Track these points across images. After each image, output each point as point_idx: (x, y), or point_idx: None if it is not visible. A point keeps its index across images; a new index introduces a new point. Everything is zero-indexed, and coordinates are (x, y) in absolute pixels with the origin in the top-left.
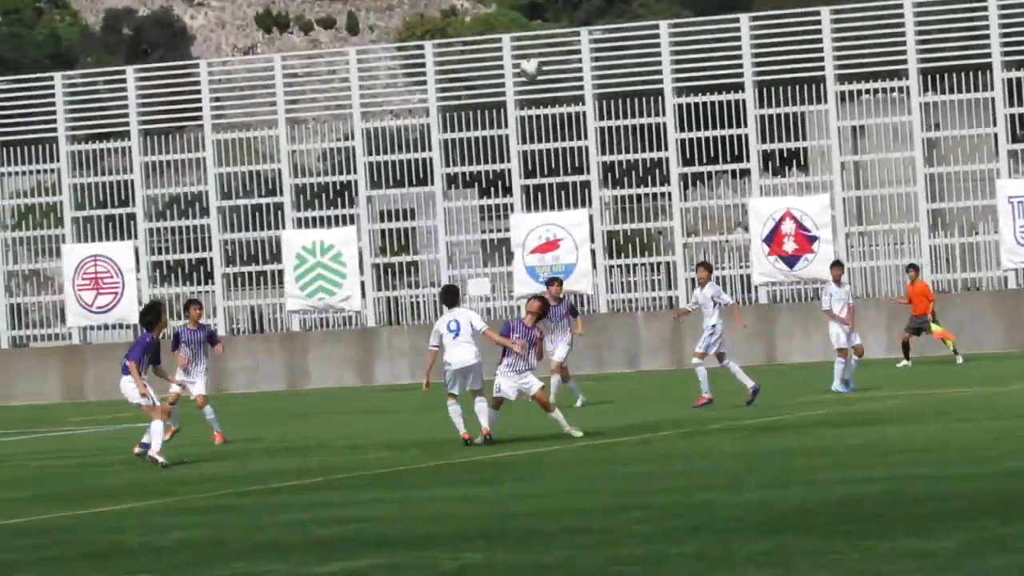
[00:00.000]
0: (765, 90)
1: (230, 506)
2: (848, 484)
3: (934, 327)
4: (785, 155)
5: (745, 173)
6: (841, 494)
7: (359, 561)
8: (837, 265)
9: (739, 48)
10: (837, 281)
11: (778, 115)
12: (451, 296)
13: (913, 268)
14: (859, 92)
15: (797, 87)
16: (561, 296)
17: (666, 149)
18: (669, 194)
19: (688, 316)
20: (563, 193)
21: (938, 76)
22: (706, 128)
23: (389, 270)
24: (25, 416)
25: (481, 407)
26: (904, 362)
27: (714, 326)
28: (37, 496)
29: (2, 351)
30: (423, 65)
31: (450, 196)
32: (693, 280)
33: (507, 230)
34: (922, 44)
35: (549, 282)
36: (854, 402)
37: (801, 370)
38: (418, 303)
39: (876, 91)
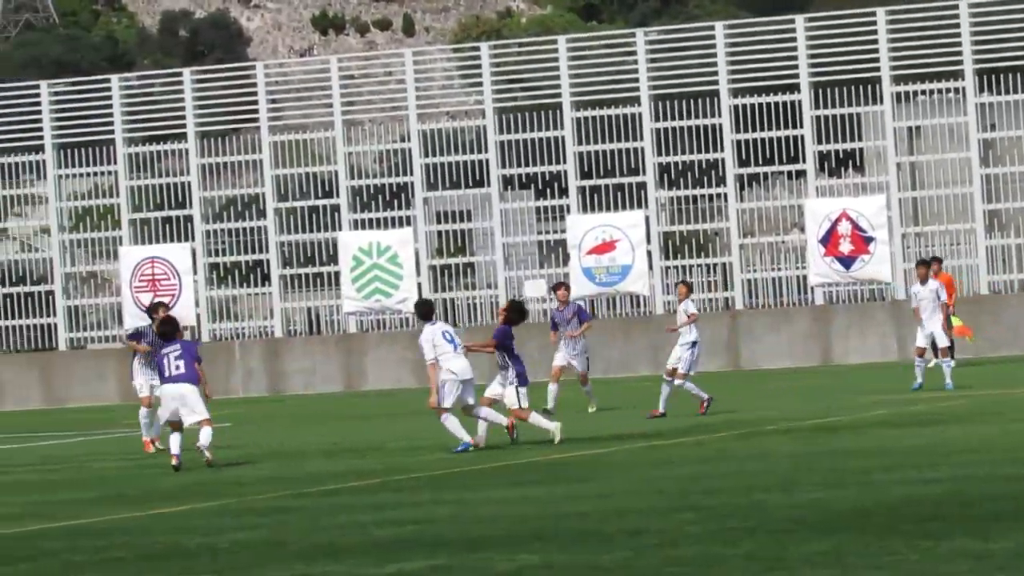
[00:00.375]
0: (821, 91)
1: (288, 507)
2: (905, 484)
3: (954, 320)
4: (841, 156)
5: (801, 174)
6: (898, 495)
7: (415, 562)
8: (922, 264)
9: (795, 49)
10: (923, 280)
11: (834, 116)
12: (429, 310)
13: (936, 261)
14: (915, 93)
15: (853, 88)
16: (567, 300)
17: (722, 150)
18: (725, 195)
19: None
20: (619, 194)
21: (994, 76)
22: (762, 129)
23: (446, 271)
24: (83, 418)
25: (486, 412)
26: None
27: (694, 343)
28: (98, 497)
29: (60, 353)
30: (479, 66)
31: (506, 198)
32: (750, 282)
33: (563, 231)
34: (978, 44)
35: (555, 287)
36: (915, 402)
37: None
38: (475, 304)
39: (932, 92)
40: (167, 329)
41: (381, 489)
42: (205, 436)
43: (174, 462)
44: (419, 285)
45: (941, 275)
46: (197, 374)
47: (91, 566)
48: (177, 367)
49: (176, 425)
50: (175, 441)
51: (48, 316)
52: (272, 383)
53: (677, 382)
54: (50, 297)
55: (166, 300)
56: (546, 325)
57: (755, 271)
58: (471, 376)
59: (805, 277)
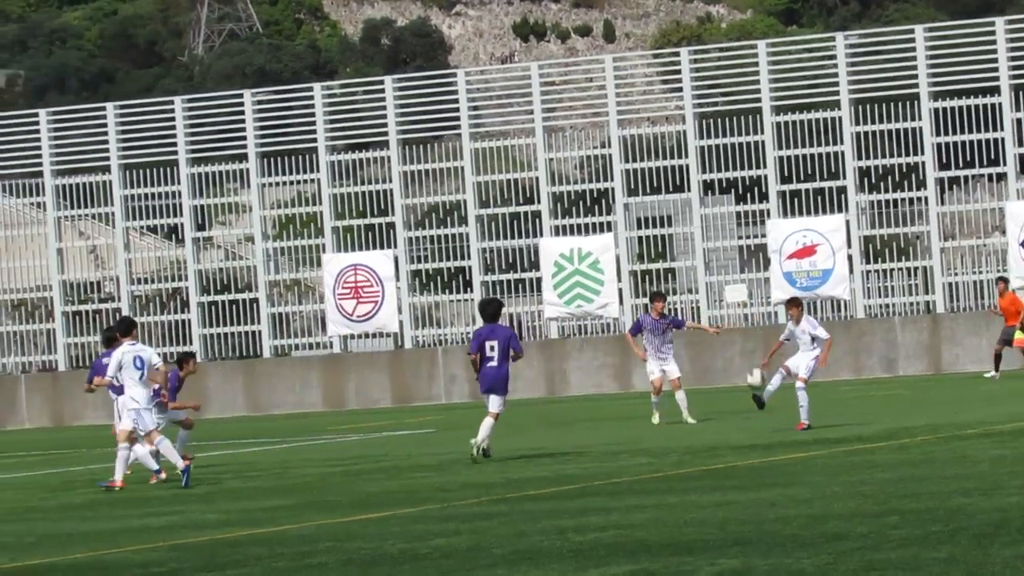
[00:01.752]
0: (1022, 93)
1: (490, 513)
2: None
3: (1018, 334)
4: None
5: (1002, 177)
6: None
7: (616, 568)
8: None
9: (995, 51)
10: None
11: None
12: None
13: (1003, 281)
14: None
15: None
16: (664, 311)
17: (922, 153)
18: (925, 198)
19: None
20: (819, 198)
21: None
22: (962, 132)
23: (646, 277)
24: (287, 425)
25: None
26: (992, 373)
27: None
28: (301, 504)
29: (264, 360)
30: (679, 72)
31: (707, 202)
32: (951, 285)
33: (764, 236)
34: None
35: (653, 296)
36: None
37: None
38: (675, 310)
39: None
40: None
41: (582, 494)
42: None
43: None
44: (620, 291)
45: (1007, 295)
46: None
47: (294, 572)
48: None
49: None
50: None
51: (252, 324)
52: (474, 389)
53: (798, 384)
54: (254, 305)
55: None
56: (739, 331)
57: (956, 274)
58: None
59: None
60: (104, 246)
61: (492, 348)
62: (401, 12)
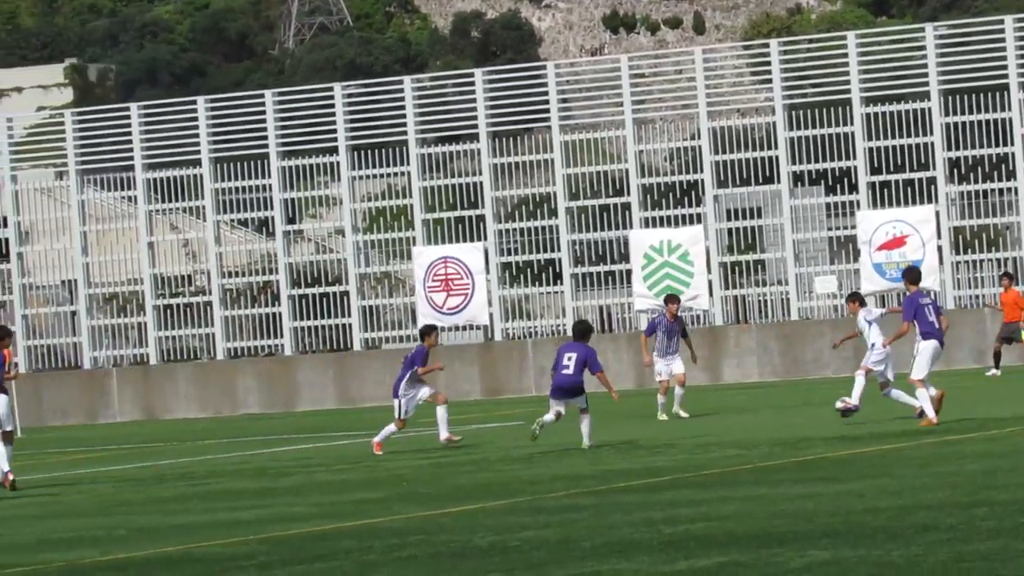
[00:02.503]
0: None
1: (579, 505)
2: None
3: None
4: None
5: None
6: None
7: (706, 560)
8: None
9: None
10: None
11: None
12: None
13: (1007, 276)
14: None
15: None
16: (678, 314)
17: (1012, 144)
18: (1016, 189)
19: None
20: (909, 189)
21: None
22: None
23: (736, 268)
24: (377, 418)
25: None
26: (993, 371)
27: (873, 345)
28: (391, 497)
29: (354, 353)
30: (769, 63)
31: (796, 194)
32: None
33: (853, 227)
34: None
35: (668, 299)
36: None
37: None
38: (765, 301)
39: None
40: None
41: (672, 486)
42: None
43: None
44: (710, 282)
45: (1011, 291)
46: None
47: (384, 565)
48: None
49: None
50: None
51: (343, 317)
52: None
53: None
54: (345, 298)
55: (457, 300)
56: (828, 323)
57: None
58: None
59: None
60: (195, 240)
61: (569, 359)
62: (491, 5)
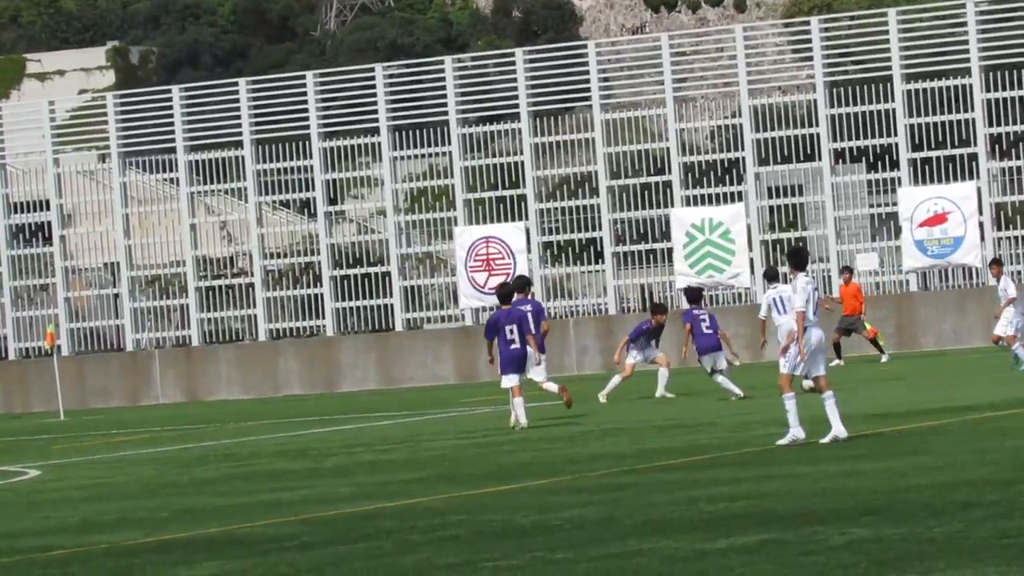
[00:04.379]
0: None
1: (621, 484)
2: None
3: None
4: None
5: None
6: None
7: (747, 537)
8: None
9: None
10: None
11: None
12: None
13: (847, 270)
14: None
15: None
16: (664, 323)
17: None
18: None
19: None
20: (950, 166)
21: None
22: None
23: (777, 246)
24: (419, 398)
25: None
26: (837, 361)
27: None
28: (433, 476)
29: (397, 333)
30: (809, 41)
31: (837, 171)
32: None
33: (895, 204)
34: None
35: (655, 308)
36: None
37: None
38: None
39: None
40: None
41: (713, 465)
42: None
43: None
44: (751, 260)
45: (851, 284)
46: None
47: (426, 544)
48: None
49: None
50: None
51: (385, 297)
52: (606, 361)
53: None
54: (386, 278)
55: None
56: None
57: None
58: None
59: None
60: (237, 221)
61: (511, 331)
62: None
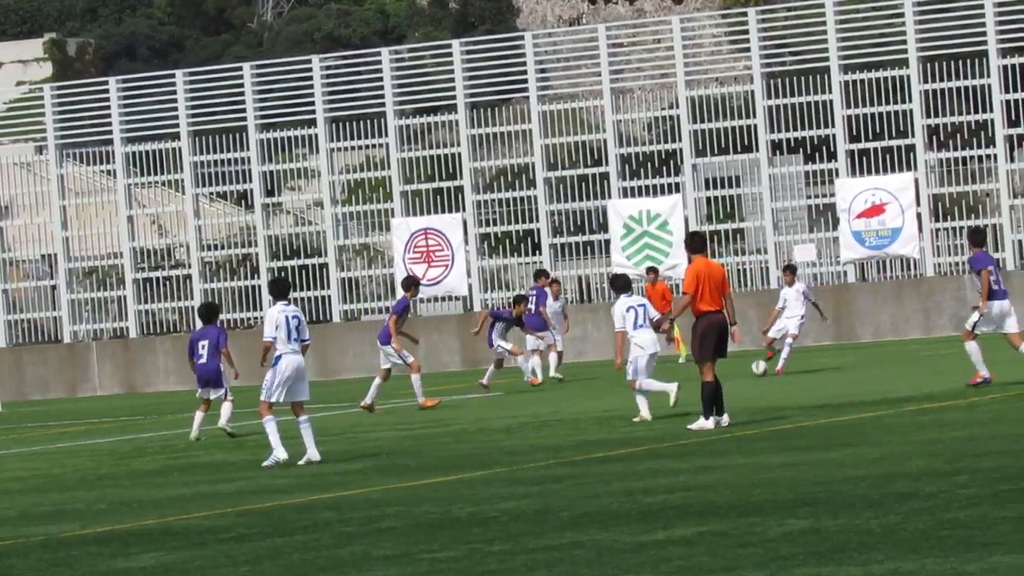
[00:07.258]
0: None
1: (558, 476)
2: None
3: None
4: None
5: None
6: None
7: (685, 529)
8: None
9: None
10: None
11: None
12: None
13: (652, 271)
14: None
15: None
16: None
17: (991, 110)
18: (995, 155)
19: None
20: (888, 157)
21: None
22: None
23: (715, 237)
24: (356, 390)
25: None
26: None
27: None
28: (370, 468)
29: (334, 325)
30: (747, 32)
31: (775, 162)
32: (1020, 242)
33: (832, 195)
34: None
35: (517, 300)
36: None
37: None
38: (744, 270)
39: None
40: None
41: (651, 456)
42: None
43: None
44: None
45: (658, 284)
46: None
47: (363, 536)
48: None
49: None
50: None
51: (322, 289)
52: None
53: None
54: (324, 270)
55: (437, 271)
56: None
57: None
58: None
59: None
60: (174, 212)
61: (203, 347)
62: None
